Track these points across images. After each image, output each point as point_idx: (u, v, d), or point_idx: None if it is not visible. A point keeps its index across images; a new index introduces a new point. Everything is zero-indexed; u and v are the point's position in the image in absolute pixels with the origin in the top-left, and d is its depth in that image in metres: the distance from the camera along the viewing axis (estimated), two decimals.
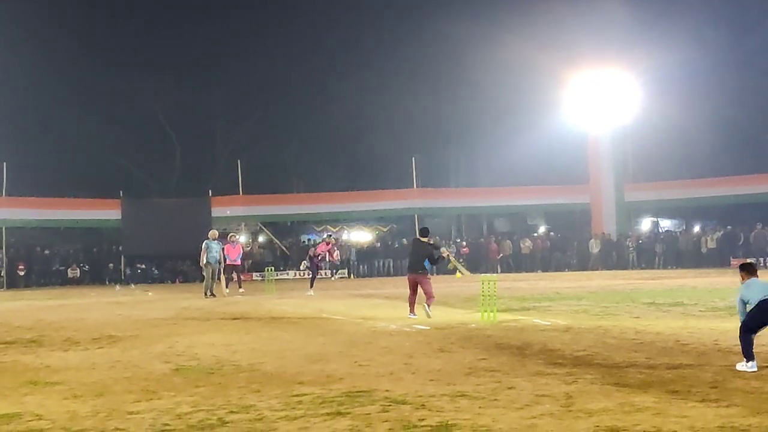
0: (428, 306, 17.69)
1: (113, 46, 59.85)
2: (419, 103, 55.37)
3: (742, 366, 10.31)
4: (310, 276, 31.11)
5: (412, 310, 17.98)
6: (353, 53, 60.17)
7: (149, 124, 59.42)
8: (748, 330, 10.51)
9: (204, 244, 29.00)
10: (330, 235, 35.38)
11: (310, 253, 31.78)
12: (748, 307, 10.62)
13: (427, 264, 18.20)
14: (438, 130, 57.88)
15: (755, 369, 10.20)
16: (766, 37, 51.22)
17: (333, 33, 62.15)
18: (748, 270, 11.10)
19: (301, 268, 44.57)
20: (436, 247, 19.26)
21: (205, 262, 28.70)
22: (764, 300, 10.49)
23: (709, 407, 7.97)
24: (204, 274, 29.23)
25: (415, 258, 18.39)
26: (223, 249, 30.04)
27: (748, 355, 10.34)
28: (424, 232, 19.38)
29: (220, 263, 29.28)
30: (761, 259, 42.70)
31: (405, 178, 51.42)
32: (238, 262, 31.38)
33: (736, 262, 42.74)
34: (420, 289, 18.05)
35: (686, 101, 48.15)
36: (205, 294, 28.13)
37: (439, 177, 58.21)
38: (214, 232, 30.45)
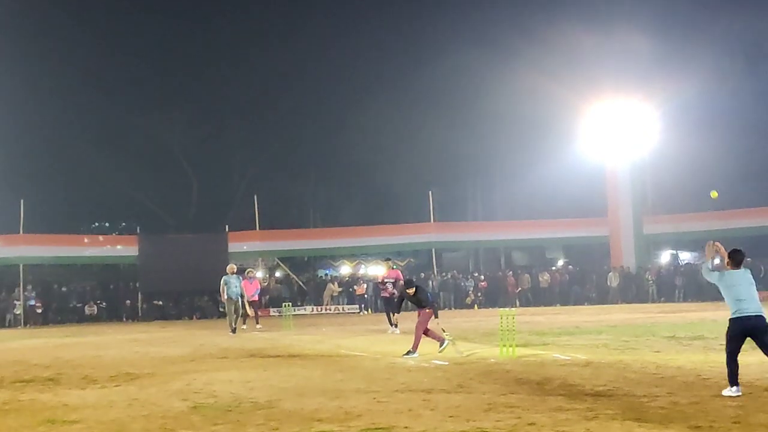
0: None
1: (129, 82, 60.19)
2: (436, 135, 55.42)
3: (727, 392, 10.57)
4: (387, 311, 27.99)
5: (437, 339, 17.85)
6: (370, 86, 60.36)
7: (166, 158, 59.59)
8: (731, 353, 10.83)
9: (223, 280, 28.85)
10: (389, 259, 32.79)
11: (379, 281, 30.00)
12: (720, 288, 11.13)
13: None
14: (455, 163, 57.85)
15: (740, 394, 10.46)
16: None
17: (350, 66, 62.34)
18: (735, 260, 11.55)
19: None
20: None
21: (226, 297, 28.58)
22: (737, 318, 10.82)
23: None
24: (226, 310, 29.14)
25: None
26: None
27: (732, 379, 10.68)
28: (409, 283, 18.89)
29: (242, 296, 29.15)
30: None
31: (422, 211, 51.40)
32: (256, 297, 31.40)
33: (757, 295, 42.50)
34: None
35: (705, 132, 48.05)
36: (232, 330, 27.96)
37: (457, 210, 58.20)
38: (232, 267, 30.28)
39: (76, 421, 10.34)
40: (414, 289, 18.22)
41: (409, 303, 18.96)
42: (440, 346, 17.63)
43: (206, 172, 60.47)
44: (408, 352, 17.38)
